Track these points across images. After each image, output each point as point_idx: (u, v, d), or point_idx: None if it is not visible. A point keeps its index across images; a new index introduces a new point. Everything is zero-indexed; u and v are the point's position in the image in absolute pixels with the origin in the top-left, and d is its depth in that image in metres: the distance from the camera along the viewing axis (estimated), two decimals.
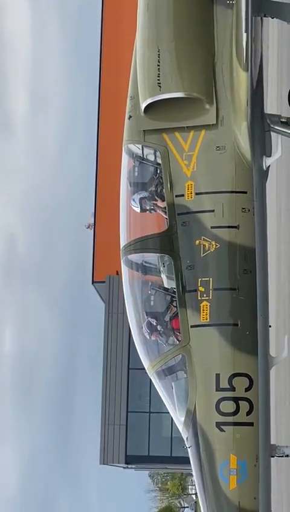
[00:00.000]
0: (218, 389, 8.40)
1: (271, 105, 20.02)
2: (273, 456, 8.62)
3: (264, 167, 8.39)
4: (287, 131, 8.98)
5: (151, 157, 8.75)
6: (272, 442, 8.61)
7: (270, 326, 8.61)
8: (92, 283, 45.58)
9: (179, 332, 8.64)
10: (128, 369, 41.66)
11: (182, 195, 8.53)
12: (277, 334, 16.08)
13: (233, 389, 8.37)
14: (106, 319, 42.70)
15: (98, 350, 46.03)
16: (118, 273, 37.59)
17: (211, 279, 8.39)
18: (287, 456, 8.84)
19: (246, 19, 7.44)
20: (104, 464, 43.53)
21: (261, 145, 8.35)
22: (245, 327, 8.38)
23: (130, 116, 8.67)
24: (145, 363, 9.09)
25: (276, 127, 9.00)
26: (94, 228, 45.58)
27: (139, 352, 9.18)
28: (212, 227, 8.40)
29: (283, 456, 8.87)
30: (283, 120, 9.11)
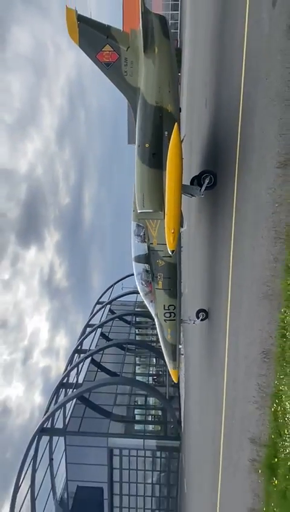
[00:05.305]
0: (164, 309, 21.15)
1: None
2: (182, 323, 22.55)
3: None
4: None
5: (143, 227, 19.63)
6: (181, 318, 22.16)
7: (181, 281, 21.14)
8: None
9: (151, 289, 20.86)
10: None
11: (152, 243, 19.65)
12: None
13: (171, 302, 21.85)
14: None
15: None
16: None
17: (162, 274, 20.15)
18: (186, 323, 23.09)
19: None
20: (130, 143, 56.12)
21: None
22: (173, 286, 20.63)
23: (134, 210, 19.30)
24: (141, 293, 21.71)
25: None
26: None
27: (140, 292, 21.90)
28: (163, 256, 19.73)
29: (185, 323, 23.19)
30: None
